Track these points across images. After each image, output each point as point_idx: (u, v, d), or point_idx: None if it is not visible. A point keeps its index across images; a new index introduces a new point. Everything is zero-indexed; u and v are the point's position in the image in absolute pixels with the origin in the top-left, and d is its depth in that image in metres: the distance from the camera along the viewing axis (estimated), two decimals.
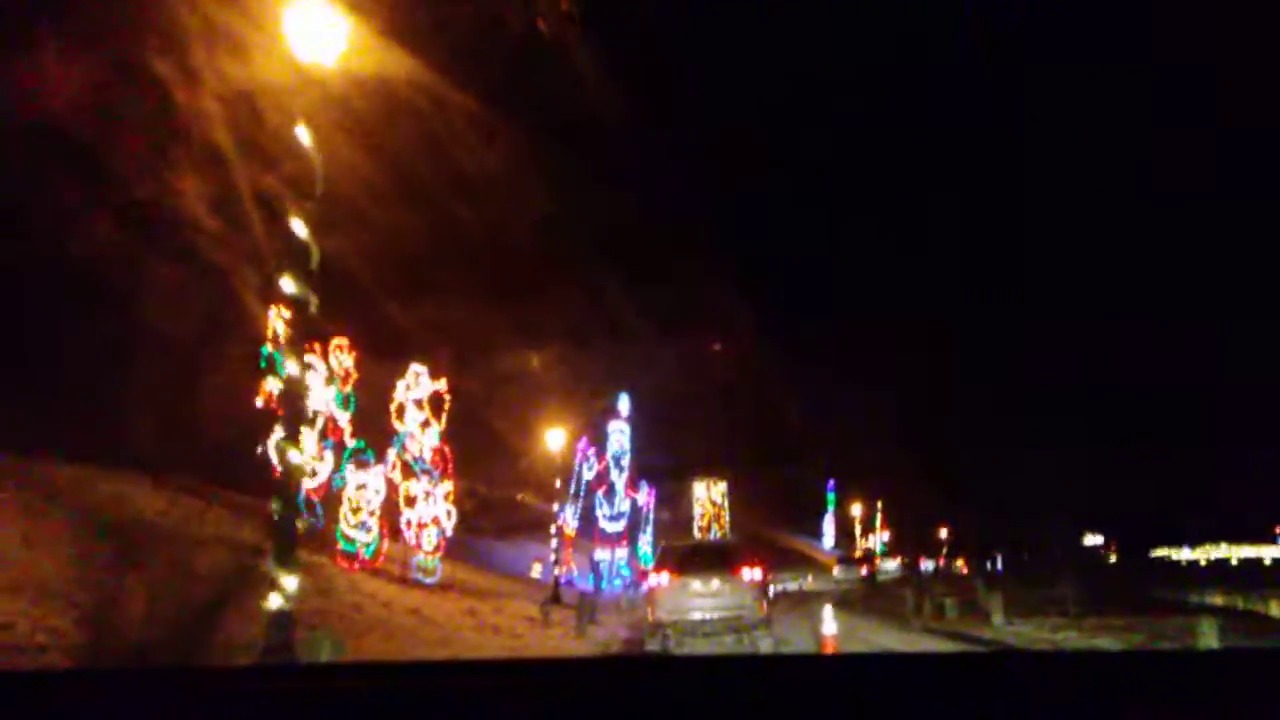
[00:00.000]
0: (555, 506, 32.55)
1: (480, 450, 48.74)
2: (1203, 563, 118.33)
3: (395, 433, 22.50)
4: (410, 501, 22.73)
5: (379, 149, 15.11)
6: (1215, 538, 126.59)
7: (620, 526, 46.55)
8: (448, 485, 24.03)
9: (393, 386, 23.07)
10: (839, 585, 50.70)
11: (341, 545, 20.01)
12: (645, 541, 50.39)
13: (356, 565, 20.27)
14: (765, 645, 13.02)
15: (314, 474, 19.05)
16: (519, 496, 46.00)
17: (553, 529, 32.51)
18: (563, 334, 46.05)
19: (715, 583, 13.34)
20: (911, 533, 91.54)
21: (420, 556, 22.98)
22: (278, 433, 17.31)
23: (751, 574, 13.50)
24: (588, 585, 34.58)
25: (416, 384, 23.19)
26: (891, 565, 74.76)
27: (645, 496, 51.10)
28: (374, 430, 21.94)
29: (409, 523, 22.81)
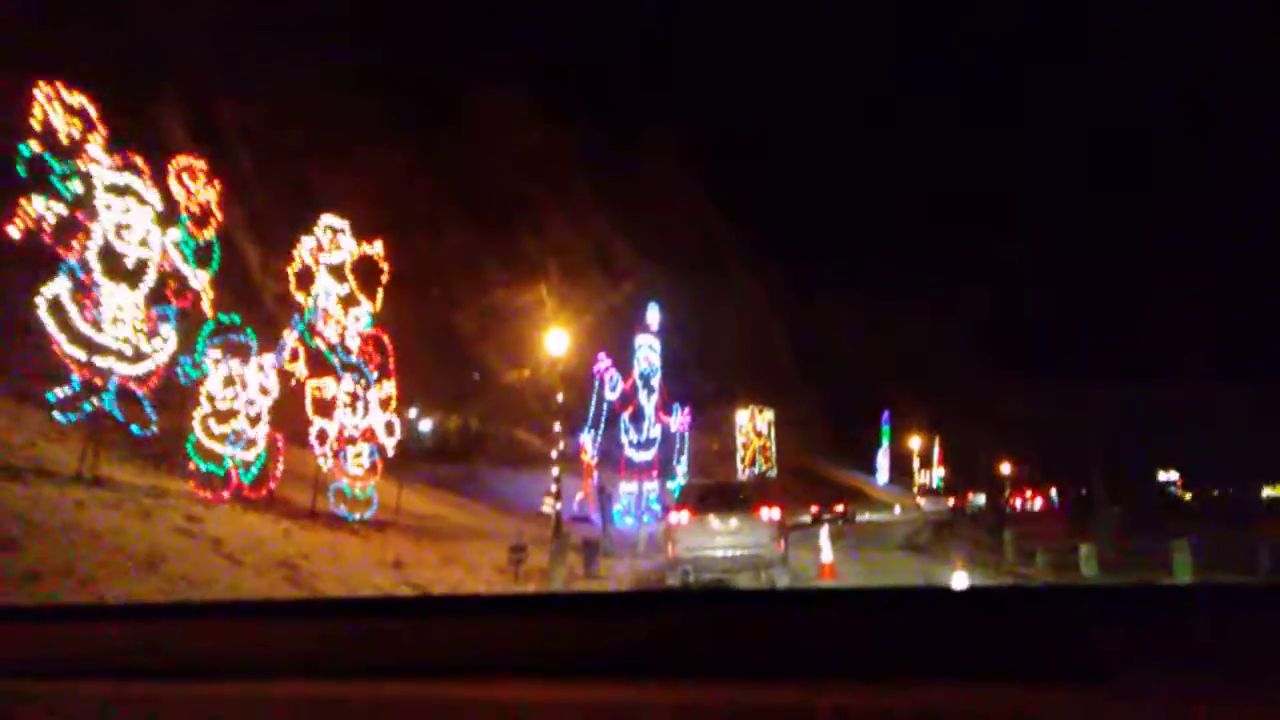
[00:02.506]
0: (556, 426, 25.92)
1: (478, 383, 43.28)
2: None
3: (298, 309, 15.89)
4: (323, 408, 16.23)
5: None
6: None
7: (650, 455, 40.18)
8: (388, 388, 17.48)
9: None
10: (927, 517, 48.13)
11: (197, 464, 13.59)
12: (681, 473, 43.92)
13: (226, 493, 13.89)
14: (782, 582, 13.30)
15: (136, 355, 12.54)
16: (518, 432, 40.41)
17: (553, 454, 25.99)
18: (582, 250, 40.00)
19: (734, 521, 13.59)
20: (967, 467, 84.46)
21: (342, 483, 16.56)
22: (58, 283, 10.87)
23: (769, 513, 13.74)
24: (614, 520, 28.07)
25: (334, 244, 16.49)
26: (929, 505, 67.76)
27: (680, 422, 44.24)
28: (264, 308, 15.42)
29: (324, 437, 16.34)
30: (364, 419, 17.05)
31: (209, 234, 13.74)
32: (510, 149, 42.27)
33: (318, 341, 16.18)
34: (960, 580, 16.91)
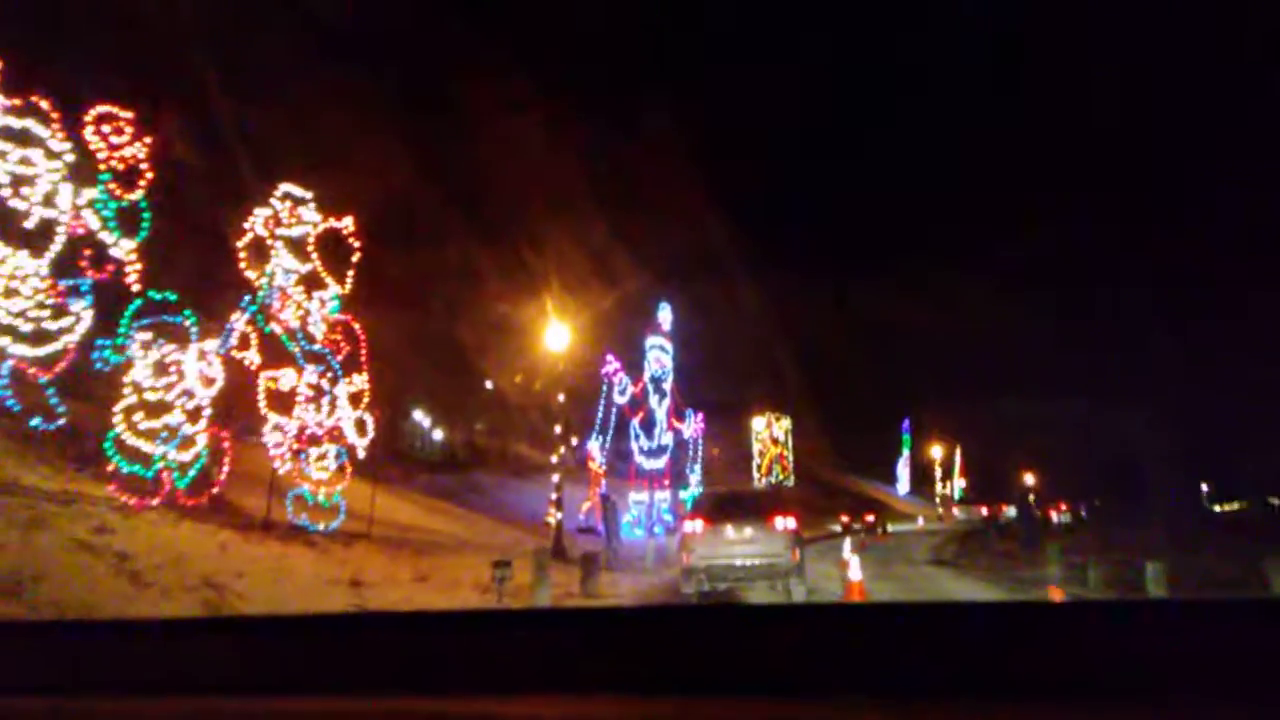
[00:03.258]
0: (557, 429, 23.81)
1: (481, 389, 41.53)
2: None
3: (251, 288, 13.85)
4: (280, 402, 14.17)
5: None
6: None
7: (661, 463, 38.03)
8: (360, 382, 15.43)
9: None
10: (957, 527, 48.40)
11: (119, 464, 11.54)
12: (694, 481, 41.72)
13: (156, 499, 11.84)
14: (798, 593, 13.22)
15: (38, 334, 10.52)
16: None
17: (554, 458, 23.89)
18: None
19: (749, 530, 13.52)
20: (989, 478, 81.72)
21: (303, 489, 14.49)
22: None
23: (784, 523, 13.67)
24: (621, 533, 25.83)
25: (294, 217, 14.45)
26: (963, 515, 65.24)
27: (693, 428, 41.98)
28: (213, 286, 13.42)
29: (281, 435, 14.28)
30: (330, 416, 14.99)
31: (136, 196, 11.72)
32: (512, 141, 40.50)
33: (274, 326, 14.15)
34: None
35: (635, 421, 37.09)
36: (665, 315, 39.76)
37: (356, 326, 15.40)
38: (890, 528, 49.35)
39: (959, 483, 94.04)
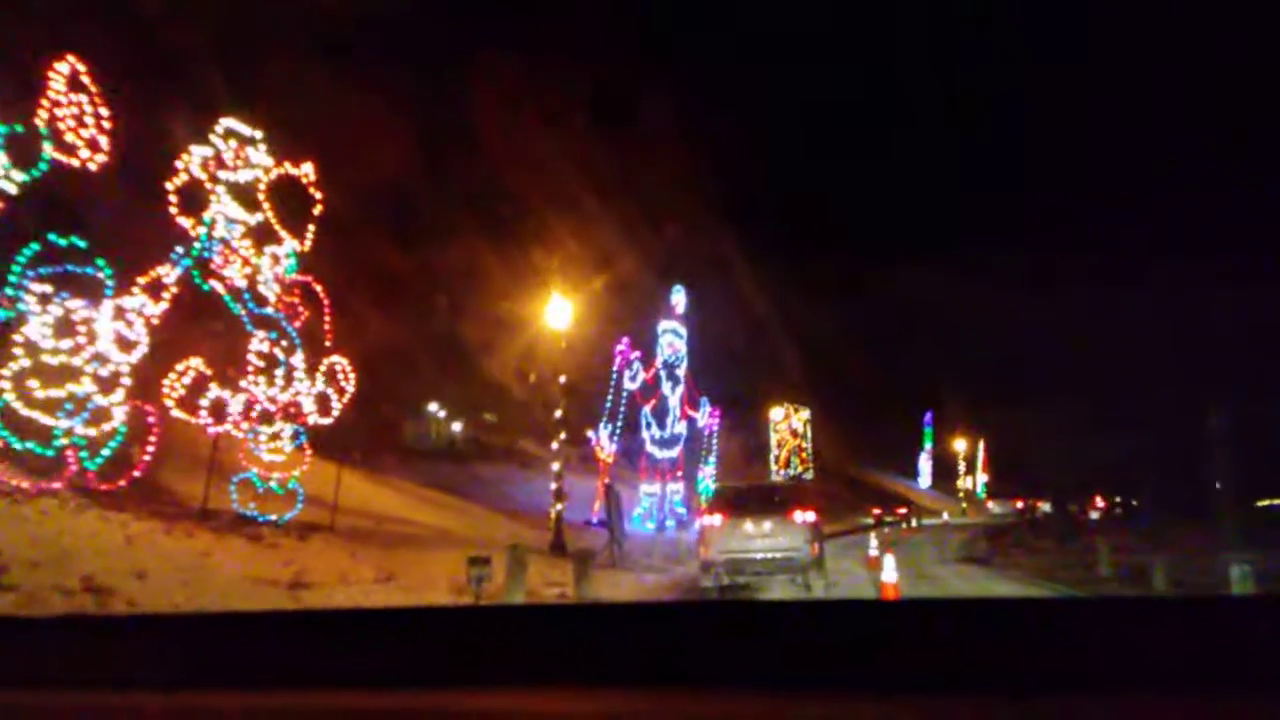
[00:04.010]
0: (557, 414, 21.76)
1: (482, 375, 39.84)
2: None
3: (186, 239, 11.83)
4: (220, 372, 12.16)
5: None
6: None
7: (674, 453, 35.95)
8: (326, 355, 13.45)
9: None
10: (993, 520, 47.18)
11: (5, 439, 9.57)
12: (709, 474, 39.60)
13: (58, 483, 9.87)
14: (818, 587, 13.18)
15: None
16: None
17: (554, 445, 21.86)
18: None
19: (768, 524, 13.38)
20: (1012, 473, 79.28)
21: (251, 474, 12.50)
22: None
23: (804, 516, 13.58)
24: (626, 525, 23.78)
25: (239, 158, 12.42)
26: (999, 509, 62.95)
27: (707, 417, 39.73)
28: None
29: (221, 411, 12.27)
30: (285, 390, 12.99)
31: (31, 122, 9.73)
32: (515, 113, 38.56)
33: (213, 284, 12.15)
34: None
35: (647, 409, 34.99)
36: (679, 298, 37.62)
37: (319, 289, 13.39)
38: (915, 522, 47.79)
39: (981, 477, 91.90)
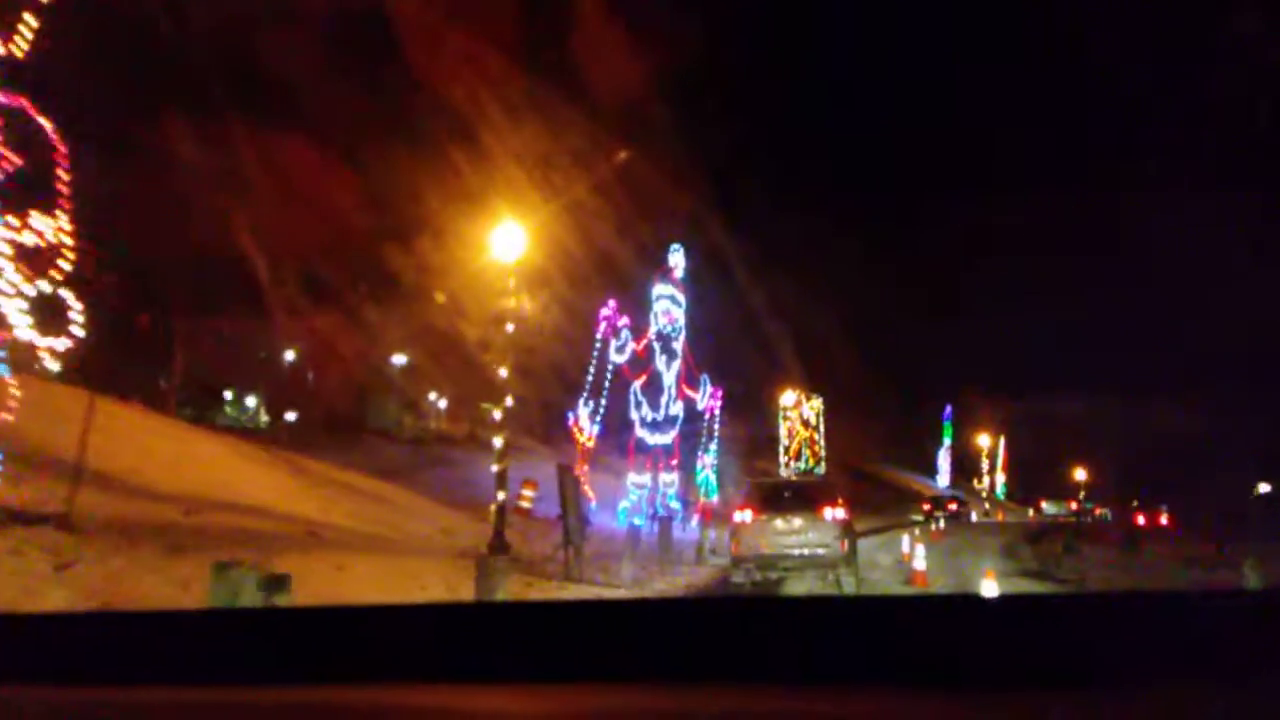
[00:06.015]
0: (502, 372, 16.32)
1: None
2: None
3: None
4: None
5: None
6: None
7: (668, 439, 30.50)
8: (49, 224, 8.11)
9: None
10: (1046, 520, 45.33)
11: None
12: (708, 463, 34.21)
13: None
14: (848, 583, 13.33)
15: None
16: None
17: (496, 414, 16.51)
18: None
19: (798, 521, 13.59)
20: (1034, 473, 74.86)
21: None
22: None
23: (834, 513, 13.72)
24: (588, 521, 18.38)
25: None
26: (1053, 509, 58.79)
27: (709, 399, 34.15)
28: None
29: None
30: None
31: None
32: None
33: None
34: None
35: (637, 386, 29.58)
36: (678, 259, 32.18)
37: (46, 123, 8.06)
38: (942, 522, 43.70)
39: (1000, 477, 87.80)
